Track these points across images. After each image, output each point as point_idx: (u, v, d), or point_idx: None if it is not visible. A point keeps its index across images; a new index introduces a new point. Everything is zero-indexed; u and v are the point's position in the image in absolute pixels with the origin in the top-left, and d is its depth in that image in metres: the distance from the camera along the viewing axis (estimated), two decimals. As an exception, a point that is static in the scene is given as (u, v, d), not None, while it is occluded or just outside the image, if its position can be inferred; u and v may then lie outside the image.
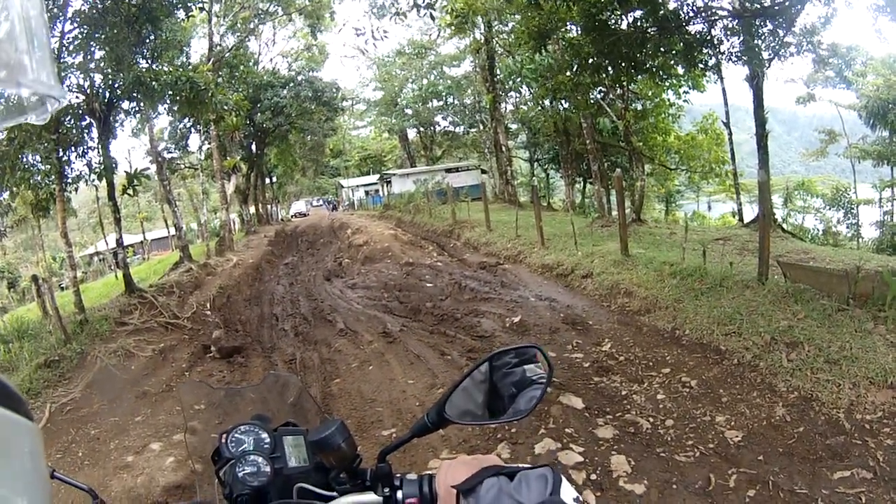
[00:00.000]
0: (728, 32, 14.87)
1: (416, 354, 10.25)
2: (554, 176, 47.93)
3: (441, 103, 57.00)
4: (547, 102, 33.45)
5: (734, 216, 31.40)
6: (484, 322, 11.45)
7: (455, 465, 1.46)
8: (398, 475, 1.67)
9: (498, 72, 38.60)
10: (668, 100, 30.46)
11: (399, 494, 1.61)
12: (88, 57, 16.94)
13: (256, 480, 1.77)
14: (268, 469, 1.80)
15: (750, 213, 29.36)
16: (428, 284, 16.10)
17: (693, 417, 6.59)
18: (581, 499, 1.23)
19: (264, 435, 1.90)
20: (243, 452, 1.84)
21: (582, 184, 40.73)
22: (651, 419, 6.66)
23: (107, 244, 44.33)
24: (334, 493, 1.76)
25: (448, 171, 50.20)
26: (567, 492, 1.22)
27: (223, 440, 1.88)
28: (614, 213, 23.29)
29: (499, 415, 1.71)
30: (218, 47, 33.56)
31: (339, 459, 1.71)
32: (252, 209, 48.58)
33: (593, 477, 5.78)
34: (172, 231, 34.63)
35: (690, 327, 9.41)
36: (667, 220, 34.33)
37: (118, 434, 8.92)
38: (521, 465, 1.33)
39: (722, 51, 15.15)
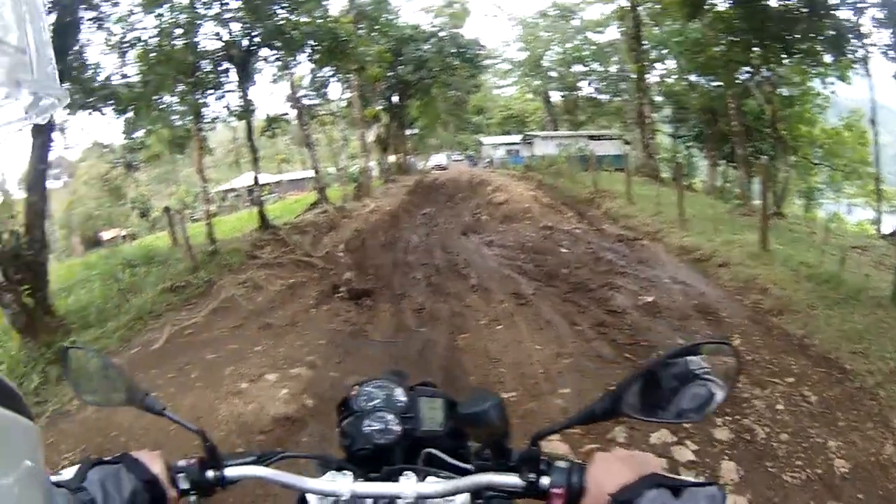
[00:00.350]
0: (877, 23, 13.88)
1: (546, 320, 10.01)
2: (696, 155, 46.67)
3: (585, 69, 55.98)
4: (693, 77, 32.42)
5: (872, 224, 29.64)
6: (617, 297, 11.03)
7: (610, 462, 1.33)
8: (545, 459, 1.46)
9: (644, 42, 37.53)
10: (814, 89, 28.94)
11: (545, 480, 1.41)
12: (223, 7, 17.50)
13: (383, 438, 1.74)
14: (397, 428, 1.75)
15: (889, 223, 27.68)
16: (564, 251, 15.69)
17: (807, 436, 6.13)
18: None
19: (399, 392, 1.82)
20: (374, 408, 1.79)
21: (724, 167, 39.36)
22: (767, 429, 6.25)
23: (243, 182, 45.49)
24: (468, 466, 1.67)
25: (591, 138, 48.79)
26: None
27: (354, 392, 1.83)
28: (754, 201, 22.59)
29: (656, 409, 1.42)
30: (358, 0, 33.71)
31: (489, 435, 1.55)
32: (391, 158, 49.41)
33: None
34: (310, 173, 35.33)
35: (820, 338, 8.67)
36: (805, 217, 32.88)
37: (235, 361, 9.04)
38: (685, 479, 1.22)
39: (870, 42, 14.18)
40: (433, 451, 1.71)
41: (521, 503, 1.55)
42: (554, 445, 5.21)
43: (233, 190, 57.16)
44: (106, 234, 48.22)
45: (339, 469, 1.66)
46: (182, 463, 1.54)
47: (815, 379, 7.45)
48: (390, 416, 1.75)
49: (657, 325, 9.40)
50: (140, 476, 1.38)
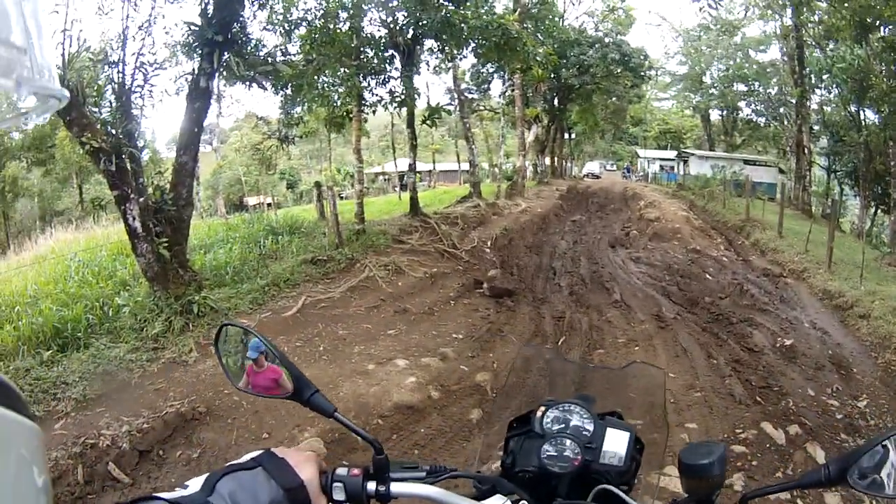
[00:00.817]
0: None
1: (683, 348, 9.96)
2: (847, 192, 44.60)
3: (746, 89, 54.37)
4: (852, 108, 30.91)
5: None
6: (756, 335, 10.74)
7: None
8: None
9: (806, 65, 35.97)
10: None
11: None
12: (390, -3, 17.82)
13: (556, 465, 1.64)
14: (576, 457, 1.64)
15: None
16: (710, 278, 15.50)
17: (911, 518, 5.74)
18: None
19: (587, 419, 1.72)
20: (556, 432, 1.70)
21: (874, 209, 37.42)
22: (875, 503, 5.79)
23: (396, 166, 46.34)
24: None
25: (746, 162, 48.32)
26: None
27: (539, 412, 1.75)
28: (899, 250, 21.44)
29: (880, 484, 1.34)
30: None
31: (706, 487, 1.46)
32: (547, 161, 49.53)
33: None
34: (464, 166, 35.74)
35: (948, 411, 8.24)
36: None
37: (366, 341, 9.16)
38: None
39: None
40: (610, 487, 1.60)
41: None
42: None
43: (384, 173, 58.50)
44: (251, 200, 50.42)
45: (502, 491, 1.59)
46: (342, 471, 1.44)
47: (935, 455, 7.00)
48: (571, 444, 1.65)
49: (791, 371, 9.10)
50: (283, 482, 1.28)
